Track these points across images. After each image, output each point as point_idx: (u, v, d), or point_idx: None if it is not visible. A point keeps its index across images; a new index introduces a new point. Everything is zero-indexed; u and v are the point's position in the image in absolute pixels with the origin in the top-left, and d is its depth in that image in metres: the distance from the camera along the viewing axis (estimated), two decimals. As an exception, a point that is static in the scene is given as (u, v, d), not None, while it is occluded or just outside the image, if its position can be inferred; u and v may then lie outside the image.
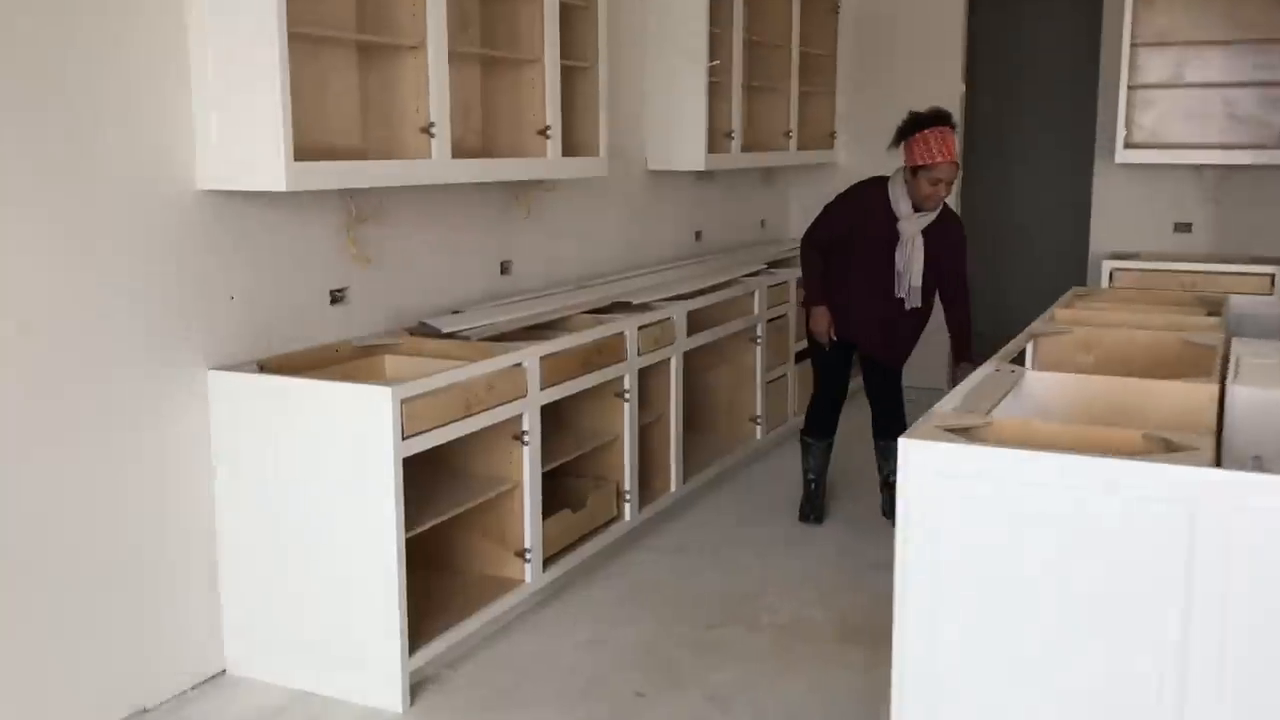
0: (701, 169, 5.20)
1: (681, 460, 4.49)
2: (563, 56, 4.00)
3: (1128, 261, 5.76)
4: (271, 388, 3.03)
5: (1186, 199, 6.10)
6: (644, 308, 4.32)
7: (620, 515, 4.10)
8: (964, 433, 2.28)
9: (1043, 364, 3.25)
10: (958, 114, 5.19)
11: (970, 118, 6.80)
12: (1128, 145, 5.81)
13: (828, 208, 4.37)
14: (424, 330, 3.64)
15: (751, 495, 4.78)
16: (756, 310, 5.15)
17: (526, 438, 3.46)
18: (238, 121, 2.92)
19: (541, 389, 3.52)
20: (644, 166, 5.21)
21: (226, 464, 3.08)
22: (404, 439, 2.93)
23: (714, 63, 5.17)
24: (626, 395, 4.05)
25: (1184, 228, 6.12)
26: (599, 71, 4.24)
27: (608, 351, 3.92)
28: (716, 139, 5.24)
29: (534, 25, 3.90)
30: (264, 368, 3.14)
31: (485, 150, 3.97)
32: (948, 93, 6.05)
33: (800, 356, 5.26)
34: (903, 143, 4.10)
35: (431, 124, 3.36)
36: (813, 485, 4.54)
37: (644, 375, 4.25)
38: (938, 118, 4.06)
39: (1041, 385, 2.85)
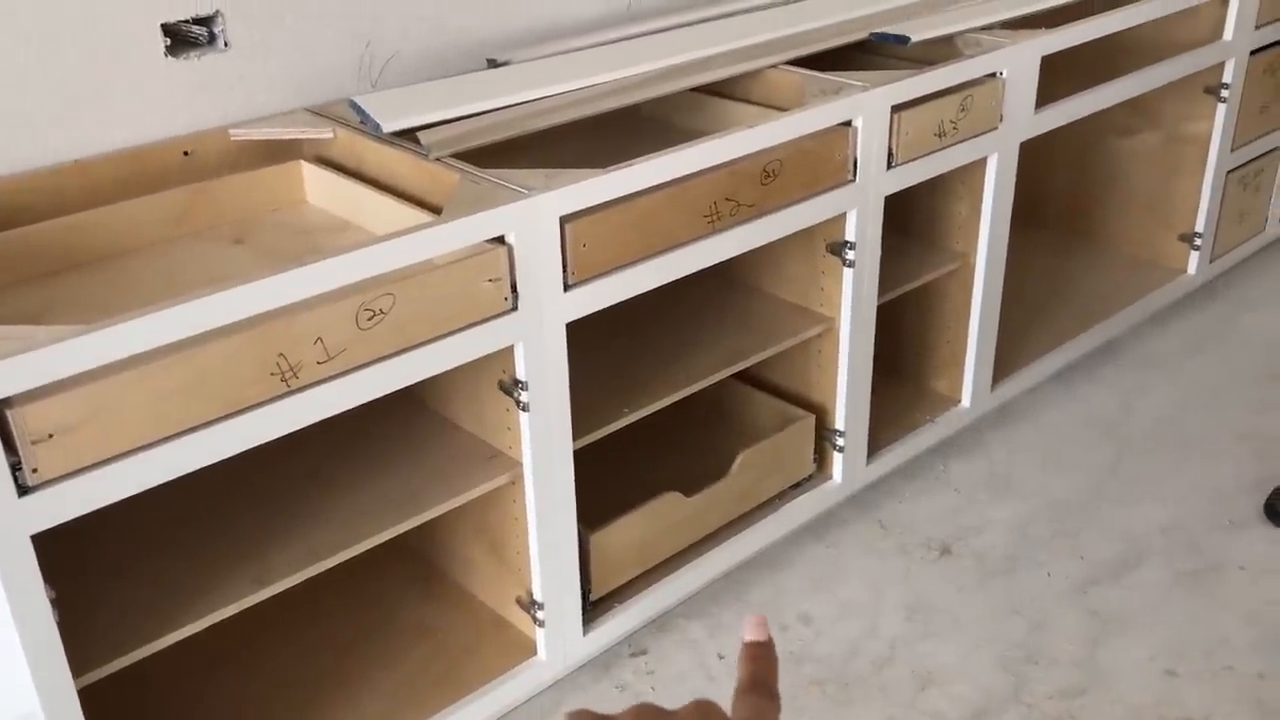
0: None
1: (987, 341, 2.29)
2: None
3: None
4: None
5: None
6: (932, 55, 2.05)
7: (826, 472, 2.09)
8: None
9: None
10: None
11: None
12: None
13: None
14: (357, 119, 1.69)
15: (1164, 404, 2.52)
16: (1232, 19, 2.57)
17: (523, 396, 1.54)
18: None
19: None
20: None
21: None
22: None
23: None
24: (849, 253, 1.91)
25: None
26: None
27: (813, 164, 1.77)
28: None
29: None
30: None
31: None
32: None
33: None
34: None
35: None
36: None
37: (929, 197, 2.06)
38: None
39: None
